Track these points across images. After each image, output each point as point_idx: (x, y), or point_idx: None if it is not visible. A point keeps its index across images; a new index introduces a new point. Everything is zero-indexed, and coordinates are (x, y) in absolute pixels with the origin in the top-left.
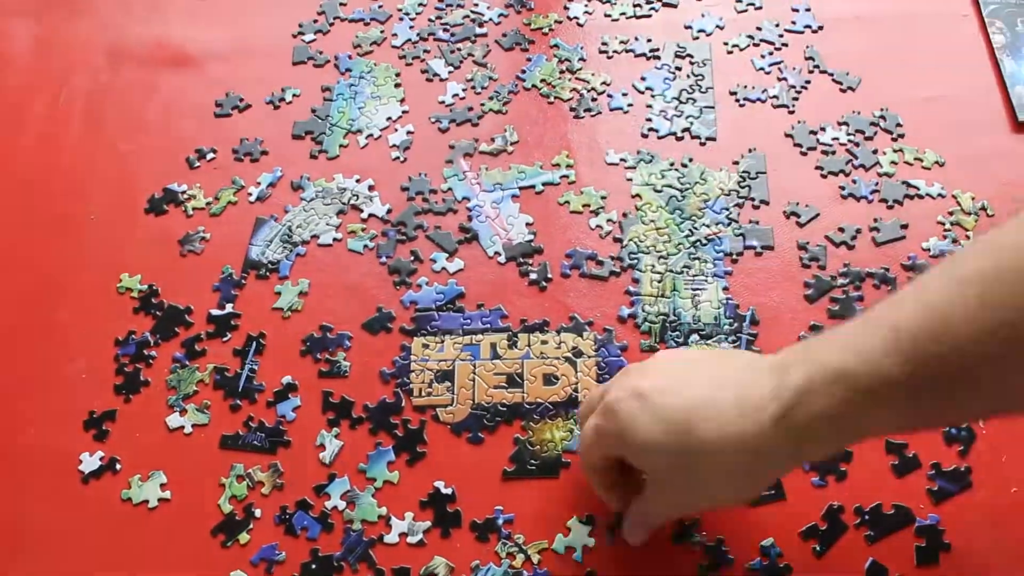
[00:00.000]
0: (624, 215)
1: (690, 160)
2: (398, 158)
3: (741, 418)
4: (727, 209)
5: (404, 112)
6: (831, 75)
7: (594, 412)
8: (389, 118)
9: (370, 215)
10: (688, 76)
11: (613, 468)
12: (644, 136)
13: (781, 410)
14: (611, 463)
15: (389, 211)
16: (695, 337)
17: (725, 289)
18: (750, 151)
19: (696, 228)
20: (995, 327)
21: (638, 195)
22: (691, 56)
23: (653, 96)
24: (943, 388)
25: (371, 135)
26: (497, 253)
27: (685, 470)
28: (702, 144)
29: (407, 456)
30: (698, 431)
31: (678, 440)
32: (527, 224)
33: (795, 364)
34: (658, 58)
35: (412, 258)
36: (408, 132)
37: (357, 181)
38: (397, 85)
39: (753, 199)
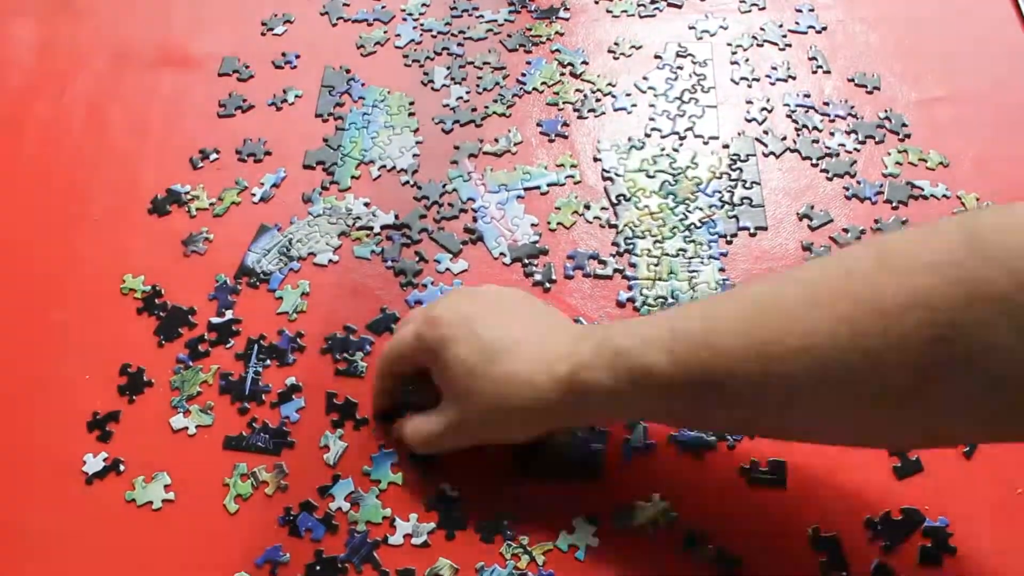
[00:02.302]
0: (616, 201)
1: (680, 144)
2: (407, 182)
3: (537, 367)
4: (719, 192)
5: (419, 143)
6: (835, 76)
7: (415, 321)
8: (403, 148)
9: (374, 226)
10: (690, 76)
11: (402, 378)
12: (647, 136)
13: (568, 373)
14: (408, 373)
15: (396, 217)
16: None
17: (721, 270)
18: (739, 134)
19: (690, 211)
20: (755, 350)
21: (632, 180)
22: (693, 56)
23: (656, 96)
24: (705, 395)
25: (384, 166)
26: (502, 254)
27: (479, 396)
28: (705, 143)
29: (421, 469)
30: (501, 364)
31: (483, 368)
32: (532, 225)
33: (592, 337)
34: (660, 58)
35: (417, 258)
36: (414, 155)
37: (366, 205)
38: (411, 114)
39: (744, 181)
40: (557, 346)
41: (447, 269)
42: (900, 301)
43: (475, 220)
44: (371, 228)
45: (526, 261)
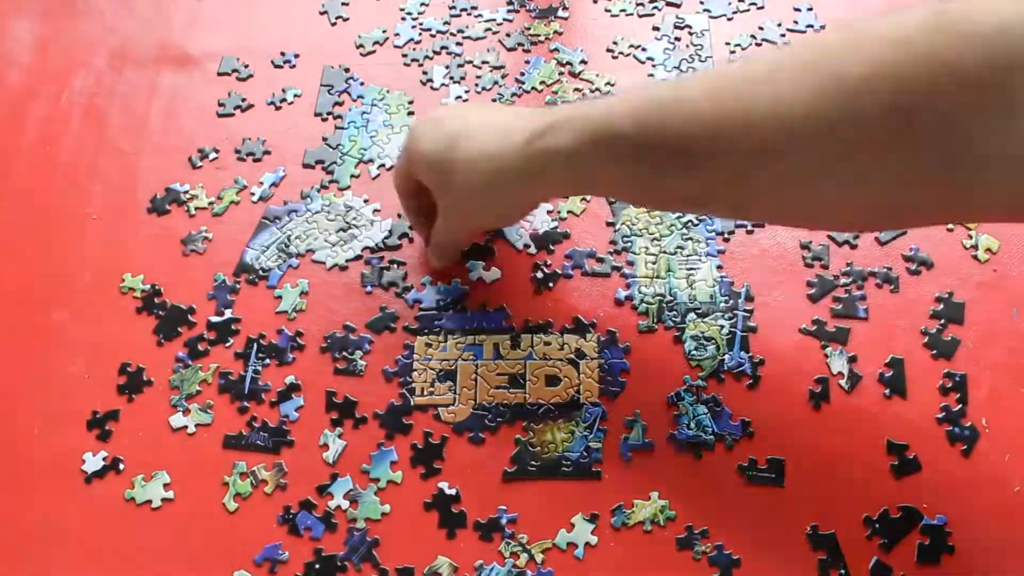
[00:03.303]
0: (614, 199)
1: None
2: None
3: (498, 140)
4: None
5: None
6: None
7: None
8: (401, 147)
9: (364, 248)
10: (688, 47)
11: (415, 191)
12: None
13: (529, 136)
14: (413, 185)
15: (399, 216)
16: (692, 316)
17: (719, 268)
18: None
19: None
20: (721, 114)
21: None
22: (690, 27)
23: (655, 66)
24: (668, 159)
25: (383, 164)
26: (527, 245)
27: (448, 180)
28: None
29: (422, 469)
30: (460, 147)
31: (447, 154)
32: (547, 212)
33: (553, 112)
34: (653, 60)
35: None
36: None
37: (365, 202)
38: (410, 113)
39: None
40: (519, 123)
41: (480, 278)
42: (864, 73)
43: None
44: (361, 236)
45: (551, 248)
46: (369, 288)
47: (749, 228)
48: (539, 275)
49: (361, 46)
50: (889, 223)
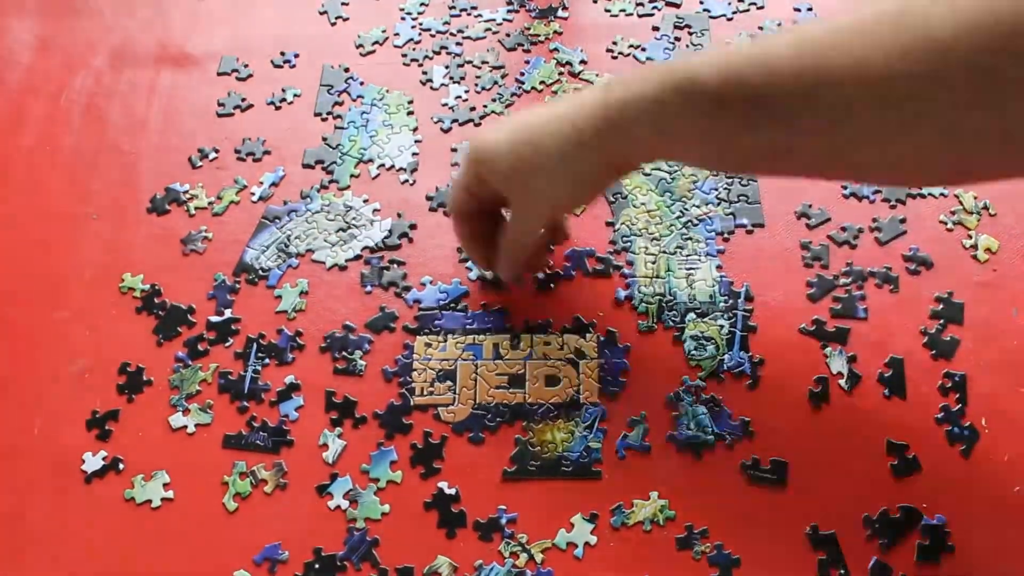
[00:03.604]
0: (613, 199)
1: None
2: (407, 181)
3: (568, 102)
4: (716, 189)
5: (417, 141)
6: None
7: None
8: (401, 147)
9: (364, 248)
10: (688, 47)
11: (474, 212)
12: None
13: (603, 93)
14: (474, 203)
15: (399, 215)
16: (692, 316)
17: (719, 267)
18: None
19: (687, 209)
20: (807, 68)
21: (628, 178)
22: (690, 27)
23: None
24: (753, 112)
25: (382, 164)
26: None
27: (519, 163)
28: None
29: (422, 469)
30: (530, 123)
31: (516, 136)
32: None
33: (626, 75)
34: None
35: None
36: (413, 154)
37: (365, 202)
38: (410, 113)
39: (742, 178)
40: (585, 91)
41: (480, 277)
42: (950, 32)
43: None
44: (361, 237)
45: (551, 247)
46: (369, 288)
47: (749, 228)
48: (539, 275)
49: (361, 45)
50: (967, 180)
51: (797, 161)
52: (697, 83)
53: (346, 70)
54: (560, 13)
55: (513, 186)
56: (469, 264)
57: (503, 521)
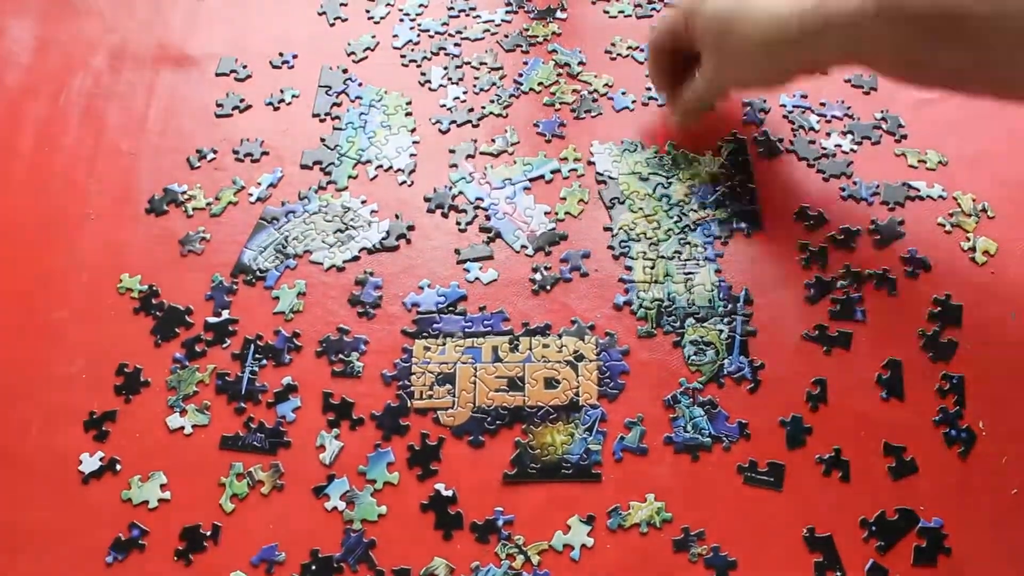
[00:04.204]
0: (611, 204)
1: (674, 147)
2: (404, 182)
3: (783, 8)
4: (713, 193)
5: (416, 142)
6: (831, 76)
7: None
8: (399, 148)
9: (362, 249)
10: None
11: (671, 49)
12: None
13: (815, 3)
14: (671, 42)
15: (397, 217)
16: (691, 320)
17: (717, 272)
18: (734, 135)
19: (685, 214)
20: None
21: (626, 183)
22: None
23: (651, 97)
24: (943, 28)
25: (380, 165)
26: (524, 246)
27: (730, 37)
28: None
29: (419, 471)
30: (751, 8)
31: (736, 12)
32: (545, 213)
33: None
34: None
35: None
36: (411, 155)
37: (363, 203)
38: (408, 114)
39: (740, 182)
40: None
41: (476, 279)
42: None
43: (488, 219)
44: (358, 238)
45: (548, 250)
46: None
47: (747, 232)
48: (537, 277)
49: (352, 53)
50: None
51: (986, 80)
52: (900, 3)
53: (344, 71)
54: (559, 14)
55: (711, 55)
56: (467, 267)
57: (500, 523)
